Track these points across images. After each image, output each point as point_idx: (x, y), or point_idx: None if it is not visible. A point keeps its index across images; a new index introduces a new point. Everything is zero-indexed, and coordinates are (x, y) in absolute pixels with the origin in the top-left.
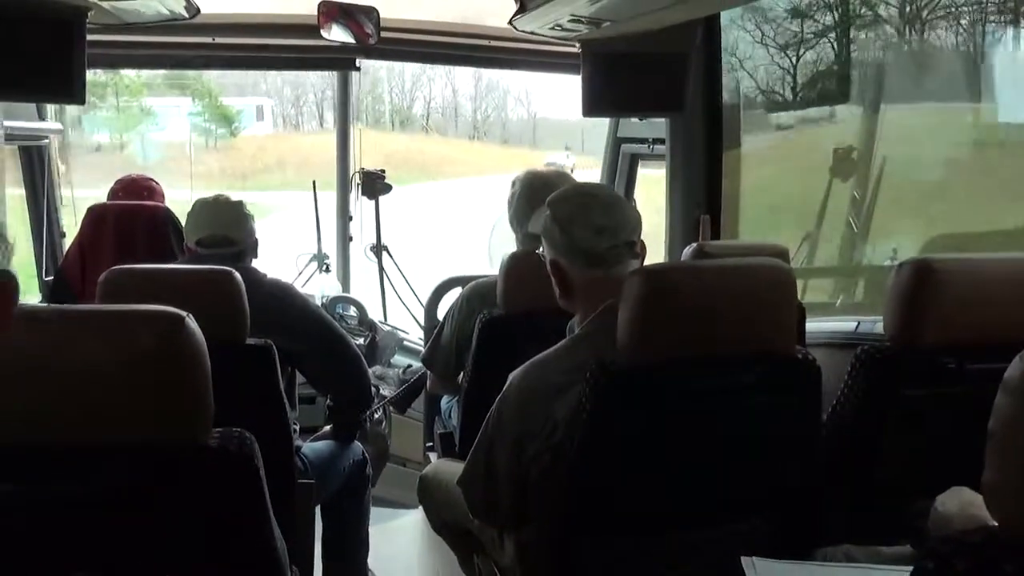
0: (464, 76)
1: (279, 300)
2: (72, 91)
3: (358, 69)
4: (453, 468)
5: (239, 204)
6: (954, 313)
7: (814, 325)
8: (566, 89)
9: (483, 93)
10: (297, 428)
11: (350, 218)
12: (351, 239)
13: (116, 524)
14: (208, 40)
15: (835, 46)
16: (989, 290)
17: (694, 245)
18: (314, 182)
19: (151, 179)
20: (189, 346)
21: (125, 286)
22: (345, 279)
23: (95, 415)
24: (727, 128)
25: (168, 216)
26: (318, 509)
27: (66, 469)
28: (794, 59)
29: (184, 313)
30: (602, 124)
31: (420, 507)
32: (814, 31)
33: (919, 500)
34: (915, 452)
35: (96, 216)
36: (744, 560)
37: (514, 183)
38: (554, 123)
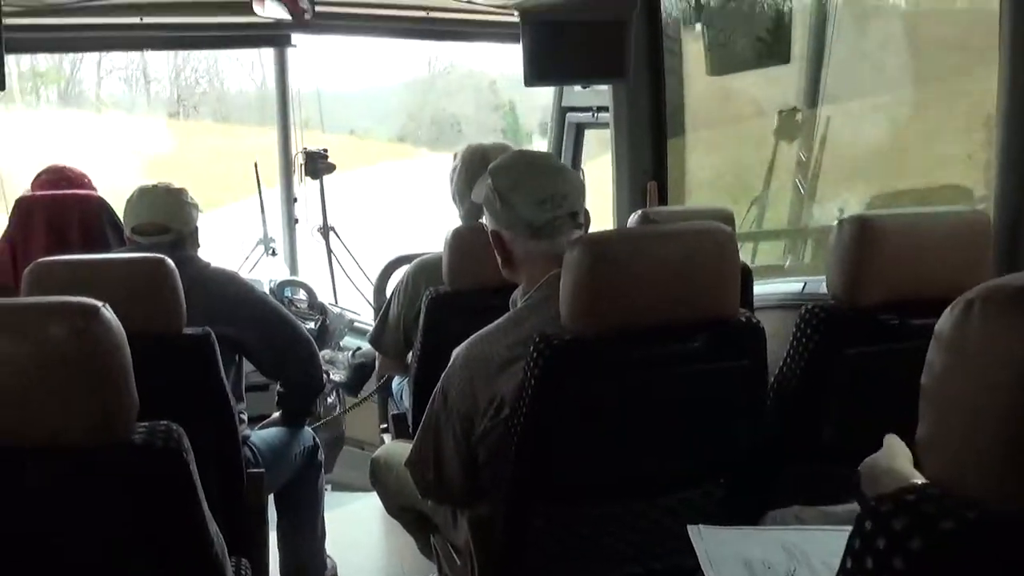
0: None
1: (221, 288)
2: None
3: (294, 46)
4: (403, 449)
5: (179, 192)
6: (893, 269)
7: (762, 288)
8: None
9: (187, 55)
10: (245, 418)
11: (295, 200)
12: (297, 221)
13: (36, 529)
14: (135, 20)
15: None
16: (925, 244)
17: (639, 212)
18: (256, 163)
19: (76, 168)
20: (105, 338)
21: (51, 278)
22: (293, 262)
23: (9, 414)
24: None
25: (102, 205)
26: (271, 498)
27: None
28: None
29: (99, 303)
30: (348, 100)
31: None
32: None
33: (867, 458)
34: (862, 410)
35: (24, 209)
36: (691, 528)
37: (455, 156)
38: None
